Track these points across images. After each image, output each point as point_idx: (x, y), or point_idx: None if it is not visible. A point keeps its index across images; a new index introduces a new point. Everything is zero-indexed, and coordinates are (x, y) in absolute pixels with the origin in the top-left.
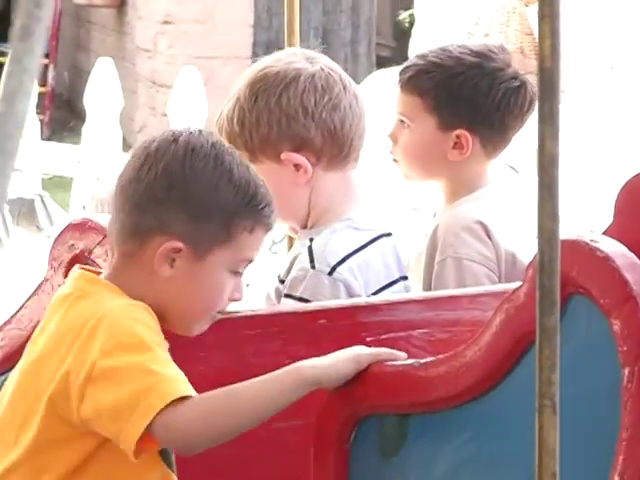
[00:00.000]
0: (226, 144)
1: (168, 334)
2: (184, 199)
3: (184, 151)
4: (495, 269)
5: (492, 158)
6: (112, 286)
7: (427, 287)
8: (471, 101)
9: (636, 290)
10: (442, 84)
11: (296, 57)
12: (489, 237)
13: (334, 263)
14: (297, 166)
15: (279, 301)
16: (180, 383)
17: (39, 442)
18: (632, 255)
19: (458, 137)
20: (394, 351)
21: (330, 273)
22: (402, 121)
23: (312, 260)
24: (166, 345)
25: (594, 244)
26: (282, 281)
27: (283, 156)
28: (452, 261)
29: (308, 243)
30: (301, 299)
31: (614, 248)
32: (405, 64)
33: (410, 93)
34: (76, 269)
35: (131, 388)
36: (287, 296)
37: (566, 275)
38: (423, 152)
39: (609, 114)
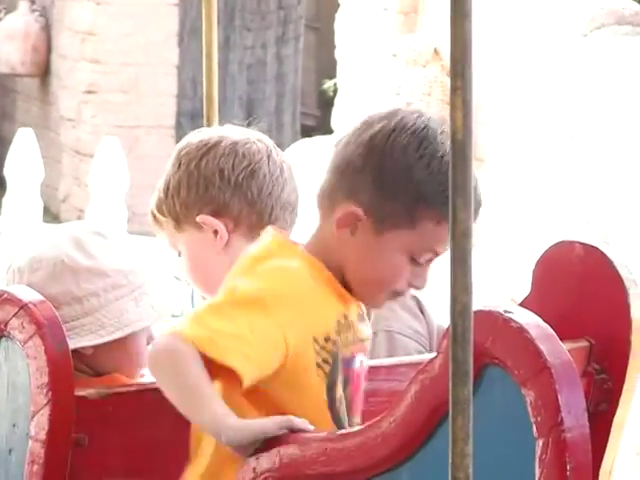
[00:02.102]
0: (447, 138)
1: (84, 404)
2: (377, 171)
3: (394, 126)
4: (426, 344)
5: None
6: (297, 248)
7: None
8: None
9: (550, 361)
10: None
11: (226, 129)
12: (422, 312)
13: None
14: (215, 232)
15: None
16: (211, 342)
17: None
18: (546, 326)
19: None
20: (304, 421)
21: None
22: None
23: None
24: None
25: (508, 315)
26: None
27: (199, 219)
28: (384, 334)
29: None
30: None
31: (528, 319)
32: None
33: None
34: (269, 229)
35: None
36: None
37: (480, 346)
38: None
39: (527, 183)
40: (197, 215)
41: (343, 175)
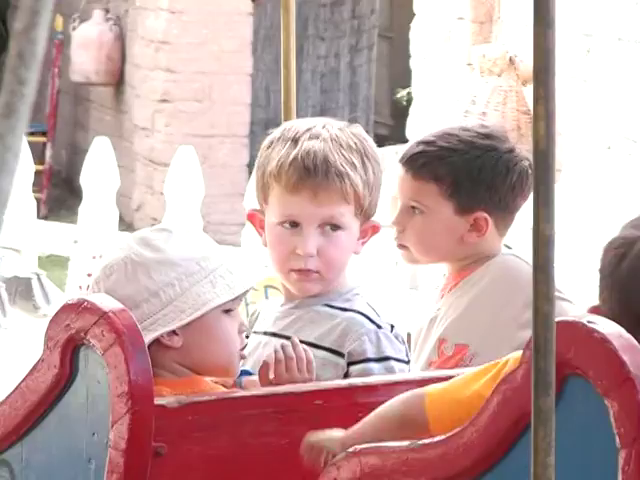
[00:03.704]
0: None
1: (163, 413)
2: None
3: None
4: None
5: (502, 237)
6: None
7: (426, 364)
8: (490, 184)
9: (633, 372)
10: (460, 169)
11: None
12: None
13: (390, 322)
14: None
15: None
16: None
17: None
18: (629, 336)
19: (476, 220)
20: None
21: (391, 331)
22: (413, 207)
23: (373, 322)
24: None
25: (590, 325)
26: (311, 344)
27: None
28: None
29: (329, 309)
30: (387, 358)
31: (611, 329)
32: (409, 152)
33: (424, 180)
34: None
35: None
36: (363, 361)
37: (562, 356)
38: (439, 237)
39: (605, 193)
40: (371, 216)
41: None
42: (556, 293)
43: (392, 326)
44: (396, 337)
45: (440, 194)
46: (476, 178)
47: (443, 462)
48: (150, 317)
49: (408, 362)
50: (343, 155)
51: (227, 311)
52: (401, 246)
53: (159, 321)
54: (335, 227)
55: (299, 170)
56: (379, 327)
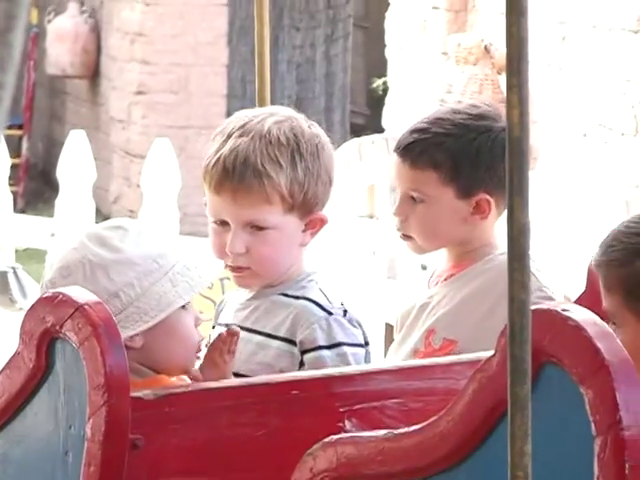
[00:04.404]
0: None
1: (140, 405)
2: None
3: None
4: None
5: (499, 216)
6: None
7: (412, 351)
8: (489, 165)
9: (608, 359)
10: (458, 153)
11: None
12: None
13: (342, 307)
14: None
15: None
16: None
17: None
18: (603, 323)
19: (478, 202)
20: None
21: (344, 315)
22: (413, 197)
23: (324, 309)
24: None
25: (565, 313)
26: (267, 335)
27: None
28: None
29: (284, 298)
30: (338, 344)
31: (585, 317)
32: (404, 141)
33: (422, 168)
34: None
35: None
36: (315, 349)
37: (538, 344)
38: (443, 223)
39: (581, 181)
40: (316, 209)
41: None
42: (543, 289)
43: (345, 311)
44: (350, 321)
45: (440, 181)
46: (474, 161)
47: (419, 451)
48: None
49: (364, 345)
50: (268, 154)
51: (183, 306)
52: (405, 236)
53: (121, 322)
54: (260, 228)
55: (219, 172)
56: (330, 313)
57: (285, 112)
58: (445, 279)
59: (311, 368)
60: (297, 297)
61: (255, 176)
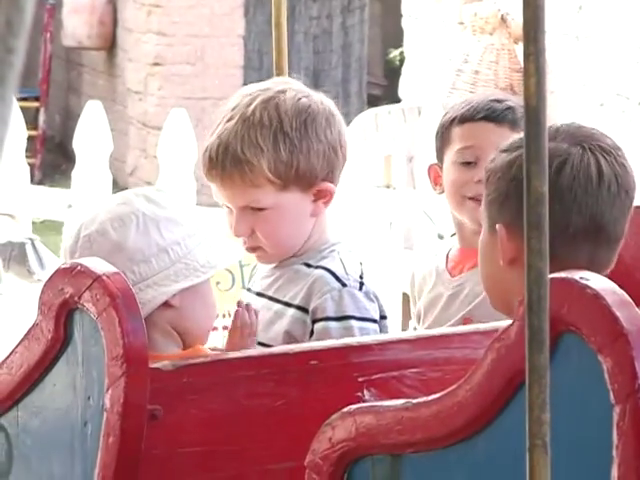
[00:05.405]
0: None
1: (159, 376)
2: None
3: None
4: None
5: None
6: None
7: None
8: None
9: (627, 327)
10: None
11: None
12: None
13: (359, 279)
14: (320, 196)
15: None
16: None
17: None
18: (623, 292)
19: None
20: None
21: (360, 289)
22: None
23: (339, 280)
24: None
25: (583, 282)
26: (285, 303)
27: (322, 186)
28: None
29: (306, 268)
30: (347, 317)
31: (604, 285)
32: (491, 109)
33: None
34: None
35: None
36: (323, 319)
37: (556, 313)
38: None
39: None
40: (318, 181)
41: None
42: None
43: (361, 283)
44: (366, 294)
45: None
46: None
47: (437, 421)
48: (161, 272)
49: (378, 320)
50: (249, 138)
51: None
52: None
53: (171, 277)
54: (258, 209)
55: (206, 160)
56: (344, 285)
57: (281, 86)
58: (472, 267)
59: (318, 338)
60: (317, 267)
61: (235, 164)
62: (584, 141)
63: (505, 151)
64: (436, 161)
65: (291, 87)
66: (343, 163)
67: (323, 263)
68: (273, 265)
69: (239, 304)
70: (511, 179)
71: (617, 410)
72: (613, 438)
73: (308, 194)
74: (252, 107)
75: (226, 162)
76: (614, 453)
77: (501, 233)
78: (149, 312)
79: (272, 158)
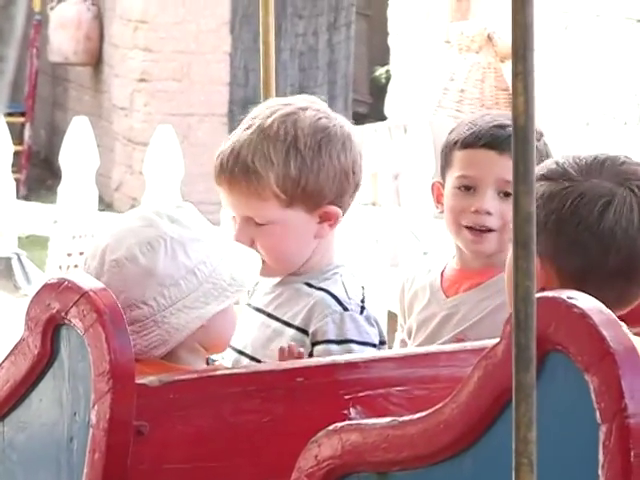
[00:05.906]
0: None
1: (145, 392)
2: None
3: None
4: None
5: None
6: None
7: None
8: None
9: (613, 347)
10: None
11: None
12: None
13: (361, 304)
14: (325, 218)
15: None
16: None
17: None
18: (609, 311)
19: None
20: None
21: (361, 313)
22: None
23: (341, 304)
24: None
25: (570, 301)
26: (284, 322)
27: (327, 209)
28: None
29: (307, 288)
30: (348, 341)
31: (590, 305)
32: (494, 137)
33: None
34: None
35: None
36: (324, 342)
37: (543, 332)
38: None
39: None
40: (325, 203)
41: None
42: None
43: (362, 307)
44: (367, 319)
45: None
46: None
47: (424, 439)
48: (189, 295)
49: (379, 344)
50: (262, 149)
51: None
52: (490, 230)
53: (201, 299)
54: (258, 223)
55: (217, 165)
56: (345, 309)
57: (305, 103)
58: (468, 288)
59: None
60: (319, 288)
61: (243, 172)
62: (629, 180)
63: (551, 180)
64: (438, 179)
65: (314, 106)
66: (355, 190)
67: (325, 285)
68: (275, 282)
69: (282, 350)
70: (551, 212)
71: (603, 429)
72: (599, 457)
73: (314, 215)
74: (271, 119)
75: (235, 169)
76: (600, 472)
77: (536, 261)
78: (185, 337)
79: (281, 173)
